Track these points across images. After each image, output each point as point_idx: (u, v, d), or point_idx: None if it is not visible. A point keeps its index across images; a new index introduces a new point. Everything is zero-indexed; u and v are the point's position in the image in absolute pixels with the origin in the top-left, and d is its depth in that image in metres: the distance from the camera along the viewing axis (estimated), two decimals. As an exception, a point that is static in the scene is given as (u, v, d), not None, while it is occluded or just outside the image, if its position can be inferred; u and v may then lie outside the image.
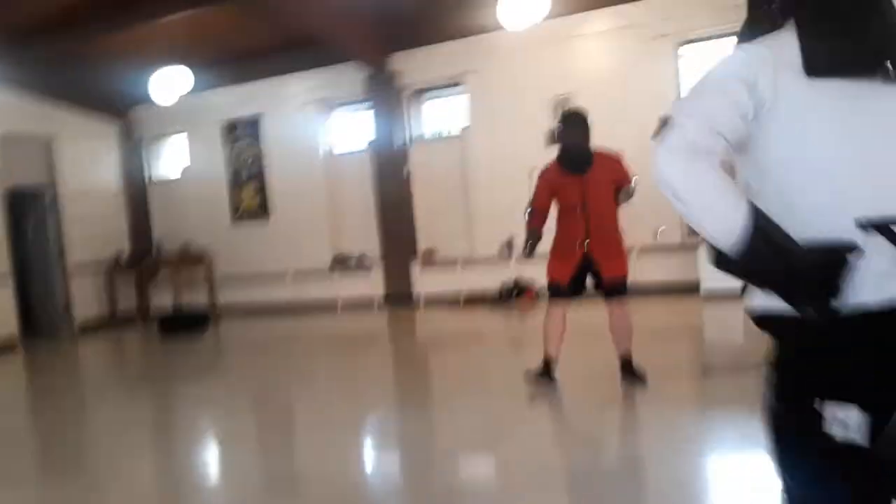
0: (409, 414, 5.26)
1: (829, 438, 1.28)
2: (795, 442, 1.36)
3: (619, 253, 5.02)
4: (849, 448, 1.26)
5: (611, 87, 8.83)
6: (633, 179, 4.89)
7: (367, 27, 9.81)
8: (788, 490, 1.42)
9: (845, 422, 1.27)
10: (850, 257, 1.22)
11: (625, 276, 5.01)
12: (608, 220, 4.96)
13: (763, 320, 1.40)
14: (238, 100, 11.25)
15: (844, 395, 1.27)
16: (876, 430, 1.24)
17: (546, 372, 5.04)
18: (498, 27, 9.02)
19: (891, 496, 1.32)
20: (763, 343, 1.42)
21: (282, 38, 9.88)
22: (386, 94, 10.22)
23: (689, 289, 8.35)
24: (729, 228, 1.25)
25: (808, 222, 1.28)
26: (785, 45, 1.33)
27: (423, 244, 10.29)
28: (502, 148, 9.53)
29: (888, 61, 1.29)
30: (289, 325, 10.10)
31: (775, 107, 1.31)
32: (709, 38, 8.64)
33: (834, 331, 1.27)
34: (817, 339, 1.30)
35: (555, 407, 5.07)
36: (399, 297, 10.18)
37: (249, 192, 11.56)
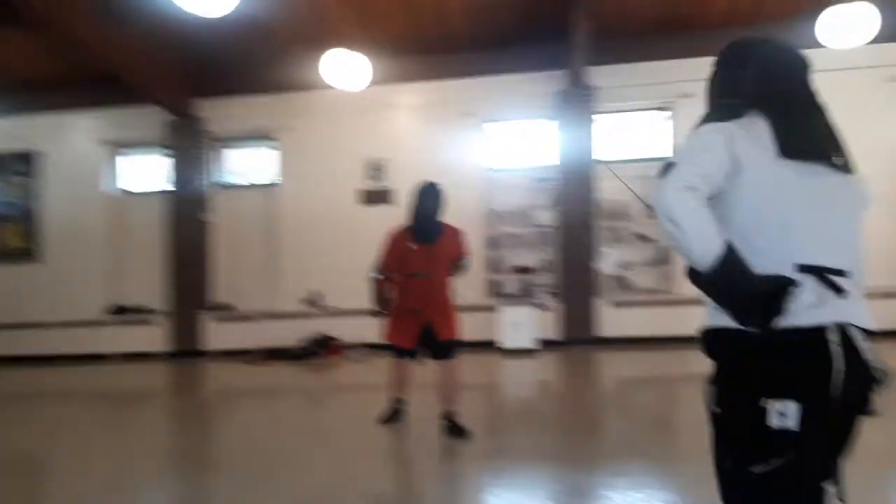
0: (173, 481, 4.60)
1: (769, 427, 1.68)
2: (741, 434, 1.74)
3: (451, 316, 5.19)
4: (784, 432, 1.67)
5: (422, 155, 9.29)
6: (469, 254, 5.26)
7: (172, 70, 9.46)
8: (732, 479, 1.77)
9: (784, 413, 1.67)
10: (792, 289, 1.66)
11: (456, 339, 5.20)
12: (446, 287, 5.19)
13: (713, 333, 1.81)
14: (11, 132, 10.15)
15: (785, 393, 1.67)
16: (804, 418, 1.65)
17: (394, 415, 5.24)
18: (314, 87, 9.21)
19: (821, 471, 1.74)
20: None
21: (75, 72, 9.21)
22: (187, 139, 9.86)
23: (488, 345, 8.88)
24: (709, 251, 1.66)
25: (758, 257, 1.71)
26: (757, 128, 1.80)
27: (219, 296, 9.83)
28: (312, 204, 9.57)
29: (832, 153, 1.82)
30: (54, 378, 8.99)
31: (747, 170, 1.74)
32: (510, 119, 9.51)
33: (774, 342, 1.68)
34: (757, 348, 1.70)
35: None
36: (187, 351, 9.57)
37: (13, 231, 10.32)
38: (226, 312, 9.67)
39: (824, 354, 1.66)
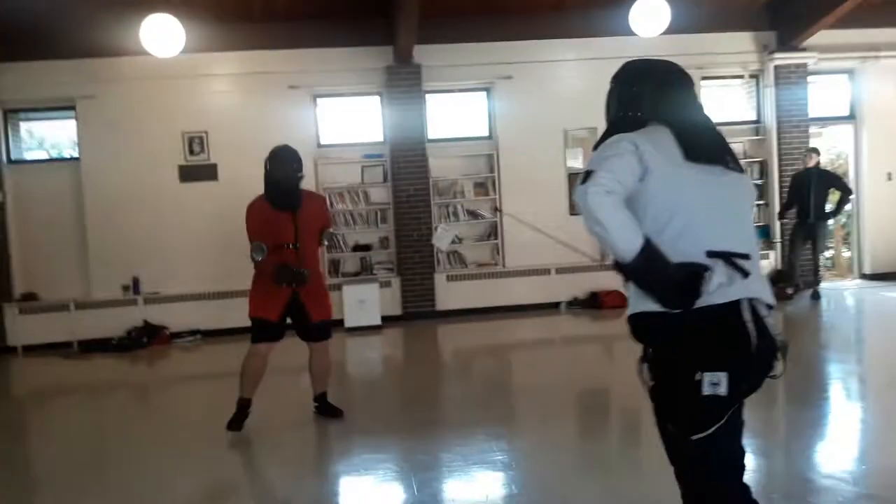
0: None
1: (703, 396, 1.96)
2: (679, 404, 2.03)
3: (324, 294, 5.01)
4: (716, 399, 1.95)
5: (246, 128, 8.88)
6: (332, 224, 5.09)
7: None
8: (675, 443, 2.08)
9: (715, 383, 1.95)
10: (705, 273, 1.93)
11: (330, 319, 5.03)
12: (314, 260, 4.95)
13: (638, 317, 2.08)
14: None
15: (714, 365, 1.95)
16: (731, 384, 1.94)
17: (239, 418, 4.76)
18: (122, 53, 8.48)
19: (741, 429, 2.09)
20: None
21: None
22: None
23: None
24: (631, 247, 1.90)
25: (672, 248, 1.95)
26: (660, 136, 2.09)
27: (20, 286, 8.82)
28: (124, 180, 8.81)
29: (726, 156, 2.15)
30: None
31: (655, 173, 1.99)
32: (341, 94, 9.42)
33: (694, 321, 1.96)
34: (680, 327, 1.98)
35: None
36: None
37: None
38: (31, 303, 8.69)
39: (740, 327, 1.96)
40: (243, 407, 4.79)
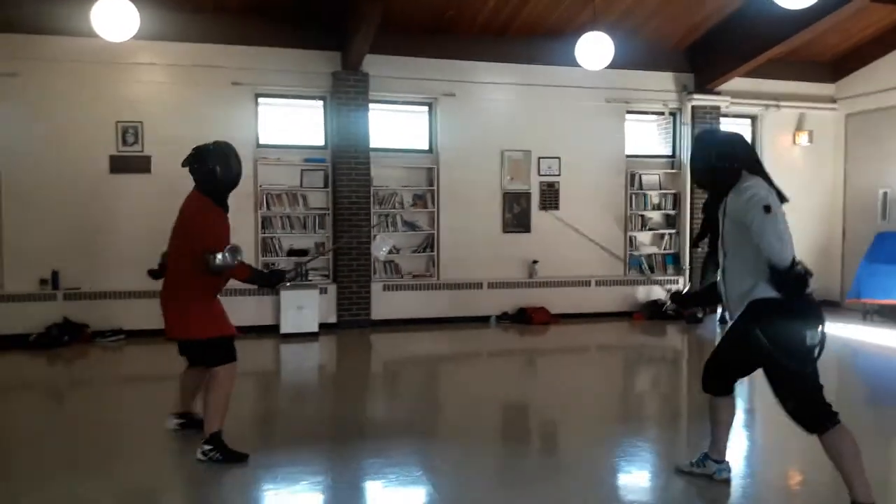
0: None
1: (808, 344, 3.30)
2: (798, 352, 3.29)
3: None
4: (812, 345, 3.30)
5: (185, 121, 8.55)
6: None
7: None
8: (792, 377, 3.32)
9: (812, 336, 3.29)
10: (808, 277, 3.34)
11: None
12: None
13: (764, 301, 3.35)
14: None
15: (812, 326, 3.29)
16: (818, 337, 3.30)
17: (230, 452, 4.23)
18: (50, 31, 8.01)
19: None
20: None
21: None
22: None
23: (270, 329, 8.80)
24: (790, 256, 3.26)
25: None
26: (764, 184, 3.43)
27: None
28: (47, 167, 8.25)
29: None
30: None
31: (777, 209, 3.34)
32: (285, 95, 9.30)
33: (803, 302, 3.33)
34: (792, 306, 3.30)
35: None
36: None
37: None
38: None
39: (817, 306, 3.40)
40: (220, 441, 4.24)
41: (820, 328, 3.28)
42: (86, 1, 6.76)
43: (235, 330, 4.40)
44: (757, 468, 4.42)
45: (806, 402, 3.33)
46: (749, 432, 5.17)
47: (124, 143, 8.52)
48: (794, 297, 3.22)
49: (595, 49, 8.31)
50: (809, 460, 4.15)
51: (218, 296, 4.39)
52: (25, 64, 8.20)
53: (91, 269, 8.41)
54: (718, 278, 3.66)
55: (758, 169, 3.52)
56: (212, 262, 4.05)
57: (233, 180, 4.32)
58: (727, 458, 3.96)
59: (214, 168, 4.23)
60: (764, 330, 3.29)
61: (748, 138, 11.18)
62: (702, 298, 3.98)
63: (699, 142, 3.88)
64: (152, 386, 6.54)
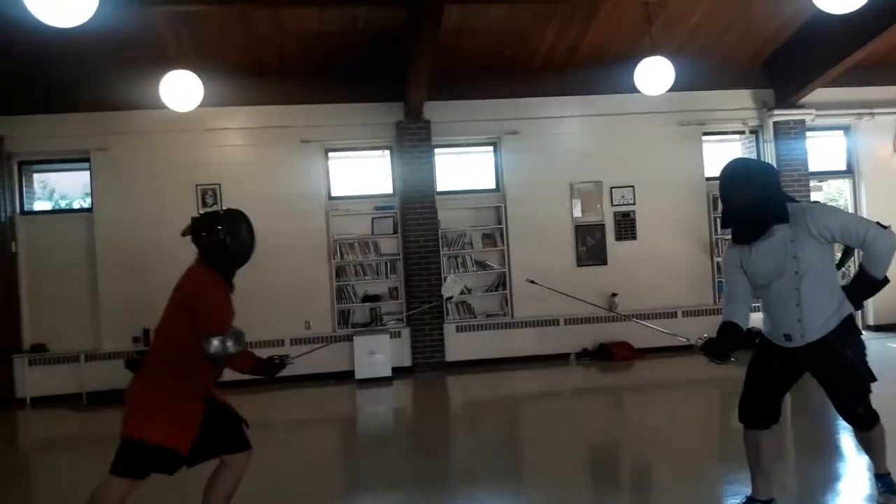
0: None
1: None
2: (863, 358, 3.49)
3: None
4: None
5: (258, 181, 9.05)
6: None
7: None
8: (864, 380, 3.43)
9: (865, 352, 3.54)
10: None
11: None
12: None
13: (848, 317, 3.47)
14: None
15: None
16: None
17: None
18: (136, 107, 8.66)
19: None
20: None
21: None
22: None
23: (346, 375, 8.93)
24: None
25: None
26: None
27: (29, 337, 8.81)
28: (136, 231, 8.88)
29: None
30: None
31: None
32: (352, 148, 9.65)
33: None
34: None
35: None
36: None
37: None
38: (41, 354, 8.67)
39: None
40: None
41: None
42: (161, 76, 7.32)
43: (175, 444, 3.39)
44: None
45: (868, 405, 3.47)
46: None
47: (204, 204, 9.06)
48: (860, 307, 3.52)
49: (655, 74, 8.09)
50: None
51: (189, 397, 3.51)
52: (114, 139, 8.96)
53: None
54: (776, 310, 3.52)
55: (788, 196, 3.67)
56: (211, 346, 3.42)
57: (244, 253, 3.71)
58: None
59: (225, 238, 3.63)
60: (846, 342, 3.41)
61: (842, 150, 10.69)
62: (731, 343, 3.52)
63: (736, 175, 3.48)
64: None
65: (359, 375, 8.73)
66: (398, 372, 8.99)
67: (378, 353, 8.76)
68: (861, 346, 3.47)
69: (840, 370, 3.40)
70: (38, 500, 5.31)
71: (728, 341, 3.54)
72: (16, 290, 8.79)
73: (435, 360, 9.25)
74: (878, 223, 3.34)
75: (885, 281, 3.41)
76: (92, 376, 8.61)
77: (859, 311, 11.18)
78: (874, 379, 3.45)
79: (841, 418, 3.61)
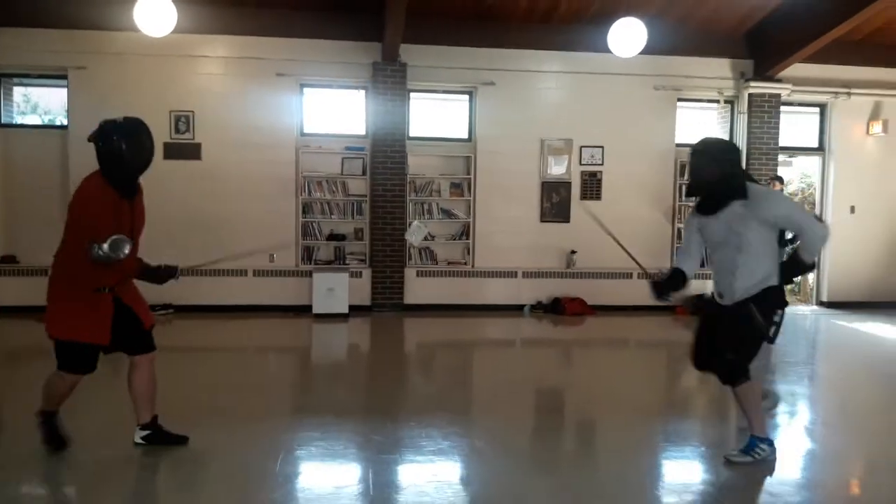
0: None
1: (775, 321, 4.02)
2: (770, 324, 3.98)
3: (142, 296, 4.12)
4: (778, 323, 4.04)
5: (231, 111, 9.16)
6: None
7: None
8: (755, 339, 3.99)
9: (779, 314, 4.04)
10: None
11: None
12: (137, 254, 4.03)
13: (773, 288, 3.97)
14: None
15: (781, 307, 4.03)
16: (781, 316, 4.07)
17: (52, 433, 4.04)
18: (111, 27, 8.68)
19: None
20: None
21: None
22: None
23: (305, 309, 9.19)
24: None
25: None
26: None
27: (0, 247, 9.05)
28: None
29: None
30: None
31: None
32: (328, 86, 9.68)
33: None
34: (783, 291, 4.12)
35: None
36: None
37: None
38: (11, 265, 8.93)
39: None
40: (49, 418, 4.07)
41: (783, 311, 4.03)
42: (142, -1, 7.34)
43: (94, 339, 3.82)
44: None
45: (742, 361, 4.00)
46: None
47: (177, 131, 9.18)
48: (791, 283, 4.07)
49: (628, 35, 8.13)
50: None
51: (89, 291, 3.79)
52: (92, 58, 9.00)
53: (141, 247, 9.08)
54: (717, 271, 4.16)
55: (749, 175, 4.49)
56: (91, 251, 3.60)
57: (142, 162, 3.84)
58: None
59: (120, 145, 3.76)
60: (759, 307, 3.91)
61: (816, 128, 10.75)
62: (674, 283, 4.27)
63: (707, 153, 4.01)
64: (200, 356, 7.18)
65: (316, 310, 9.01)
66: (357, 310, 9.28)
67: (337, 290, 9.02)
68: (771, 313, 3.97)
69: (739, 323, 3.95)
70: (4, 406, 5.56)
71: (672, 282, 4.27)
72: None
73: (394, 301, 9.53)
74: (816, 217, 4.14)
75: (813, 266, 4.20)
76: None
77: (812, 289, 11.53)
78: (770, 340, 4.01)
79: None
